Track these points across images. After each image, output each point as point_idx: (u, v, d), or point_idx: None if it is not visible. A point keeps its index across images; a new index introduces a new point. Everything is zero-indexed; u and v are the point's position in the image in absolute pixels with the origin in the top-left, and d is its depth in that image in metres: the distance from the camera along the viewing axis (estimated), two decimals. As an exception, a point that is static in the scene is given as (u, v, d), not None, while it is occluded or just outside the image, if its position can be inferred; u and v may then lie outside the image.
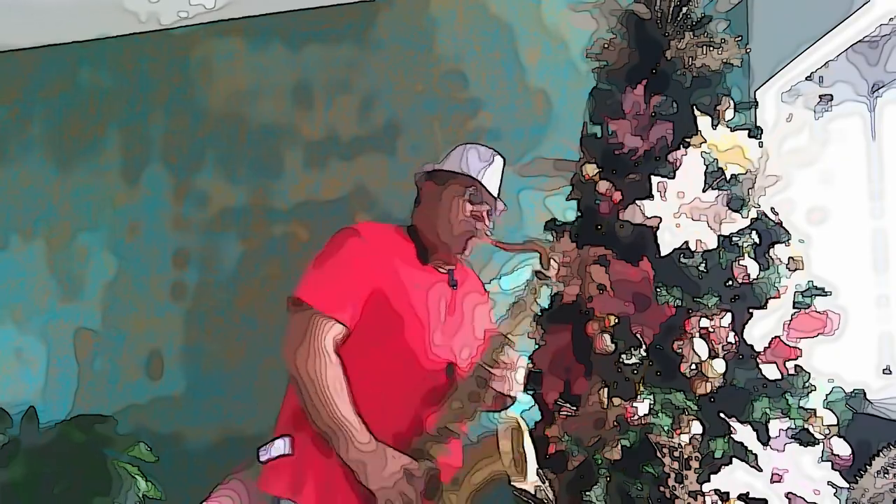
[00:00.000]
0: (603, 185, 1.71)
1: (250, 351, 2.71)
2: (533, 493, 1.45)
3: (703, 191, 1.57)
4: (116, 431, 2.64)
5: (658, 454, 1.49)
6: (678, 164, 1.58)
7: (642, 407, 1.51)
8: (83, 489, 2.51)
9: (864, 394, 1.65)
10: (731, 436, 1.48)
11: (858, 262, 2.18)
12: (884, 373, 2.13)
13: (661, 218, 1.55)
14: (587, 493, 1.50)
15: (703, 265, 1.58)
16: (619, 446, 1.51)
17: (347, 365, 1.59)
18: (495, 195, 1.78)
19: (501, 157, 1.82)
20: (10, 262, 2.95)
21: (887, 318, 2.16)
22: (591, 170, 1.74)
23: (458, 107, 2.60)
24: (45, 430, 2.68)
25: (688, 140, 1.62)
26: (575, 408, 1.64)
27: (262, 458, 1.62)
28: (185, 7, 2.72)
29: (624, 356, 1.57)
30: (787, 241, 1.64)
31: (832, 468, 1.47)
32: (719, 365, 1.51)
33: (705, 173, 1.58)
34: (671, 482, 1.47)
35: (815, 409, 1.55)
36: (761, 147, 1.64)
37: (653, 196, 1.56)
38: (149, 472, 2.57)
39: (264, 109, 2.79)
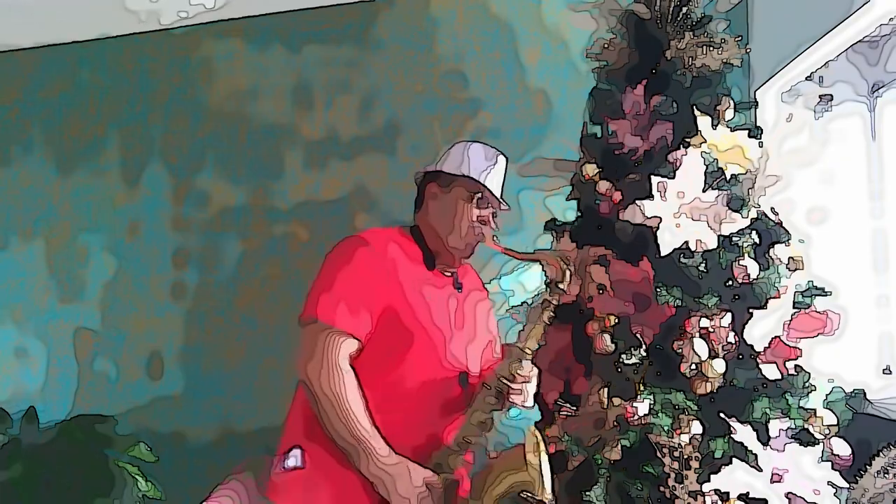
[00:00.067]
0: (603, 185, 1.71)
1: (250, 351, 2.71)
2: None
3: (703, 191, 1.57)
4: (116, 431, 2.63)
5: (658, 454, 1.49)
6: (678, 164, 1.58)
7: (642, 407, 1.51)
8: (83, 489, 2.51)
9: (864, 394, 1.64)
10: (731, 436, 1.48)
11: (858, 262, 2.18)
12: (884, 373, 2.13)
13: (661, 218, 1.55)
14: (587, 493, 1.50)
15: (703, 265, 1.58)
16: (619, 446, 1.51)
17: (363, 378, 1.57)
18: (500, 197, 1.75)
19: (504, 156, 1.79)
20: (10, 262, 2.95)
21: (887, 318, 2.16)
22: (591, 170, 1.74)
23: (458, 107, 2.60)
24: (45, 430, 2.67)
25: (688, 140, 1.63)
26: (575, 408, 1.65)
27: (277, 471, 1.60)
28: (185, 7, 2.72)
29: (624, 356, 1.57)
30: (787, 241, 1.64)
31: (832, 468, 1.47)
32: (719, 365, 1.51)
33: (705, 173, 1.58)
34: (671, 482, 1.47)
35: (815, 409, 1.56)
36: (761, 147, 1.64)
37: (653, 196, 1.56)
38: (149, 472, 2.57)
39: (264, 109, 2.79)
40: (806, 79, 2.20)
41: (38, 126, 2.96)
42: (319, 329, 1.57)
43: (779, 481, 1.45)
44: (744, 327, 1.55)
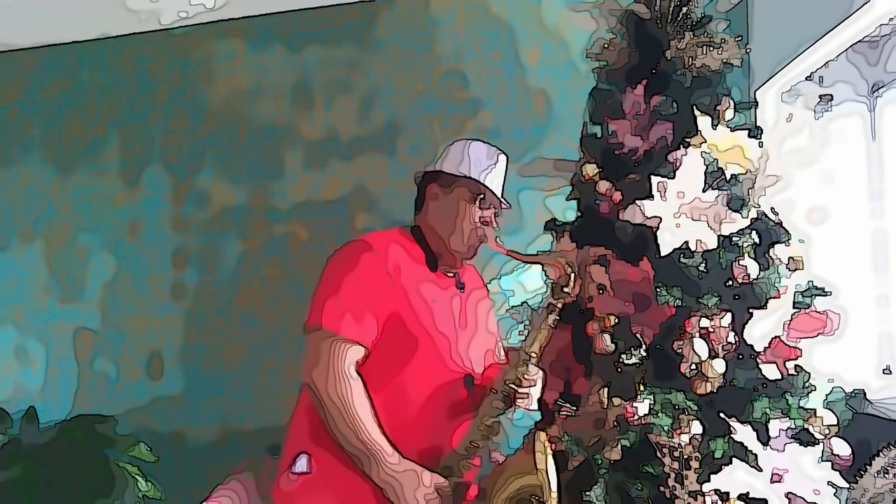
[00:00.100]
0: (603, 185, 1.71)
1: (250, 351, 2.72)
2: None
3: (703, 191, 1.57)
4: (116, 431, 2.64)
5: (658, 454, 1.49)
6: (678, 164, 1.58)
7: (642, 407, 1.51)
8: (83, 489, 2.51)
9: (864, 394, 1.64)
10: (731, 436, 1.48)
11: (858, 262, 2.18)
12: (884, 373, 2.13)
13: (661, 218, 1.55)
14: (587, 493, 1.50)
15: (703, 265, 1.58)
16: (619, 446, 1.51)
17: (370, 383, 1.57)
18: (501, 197, 1.75)
19: (504, 154, 1.79)
20: (10, 262, 2.95)
21: (887, 318, 2.16)
22: (591, 170, 1.74)
23: (458, 107, 2.60)
24: (45, 430, 2.67)
25: (688, 140, 1.63)
26: (575, 408, 1.65)
27: (286, 478, 1.59)
28: (186, 7, 2.72)
29: (624, 356, 1.57)
30: (787, 241, 1.64)
31: (832, 468, 1.47)
32: (719, 365, 1.51)
33: (705, 173, 1.58)
34: (671, 482, 1.47)
35: (815, 409, 1.55)
36: (761, 147, 1.64)
37: (653, 196, 1.56)
38: (149, 472, 2.57)
39: (264, 109, 2.79)
40: (806, 79, 2.20)
41: (38, 126, 2.96)
42: (325, 336, 1.56)
43: (779, 481, 1.45)
44: (744, 327, 1.55)
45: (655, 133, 1.66)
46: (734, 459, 1.46)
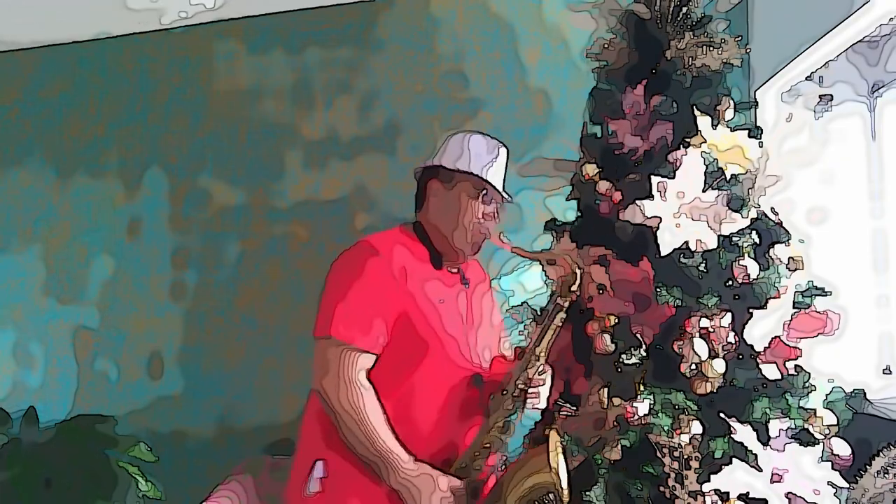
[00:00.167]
0: (603, 185, 1.71)
1: (250, 351, 2.72)
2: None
3: (703, 191, 1.57)
4: (116, 431, 2.64)
5: (658, 454, 1.49)
6: (678, 164, 1.58)
7: (642, 407, 1.51)
8: (83, 489, 2.51)
9: (864, 394, 1.64)
10: (731, 436, 1.48)
11: (858, 262, 2.18)
12: (884, 373, 2.13)
13: (661, 218, 1.55)
14: (587, 493, 1.50)
15: (703, 265, 1.58)
16: (619, 446, 1.51)
17: (382, 388, 1.57)
18: (503, 191, 1.73)
19: (504, 146, 1.76)
20: (10, 262, 2.95)
21: (887, 318, 2.16)
22: (591, 170, 1.74)
23: (458, 107, 2.59)
24: (45, 430, 2.68)
25: (688, 140, 1.63)
26: (575, 408, 1.65)
27: (311, 491, 1.58)
28: (186, 7, 2.72)
29: (624, 356, 1.57)
30: (787, 241, 1.64)
31: (832, 468, 1.47)
32: (719, 365, 1.51)
33: (705, 173, 1.58)
34: (671, 482, 1.47)
35: (815, 409, 1.55)
36: (761, 147, 1.64)
37: (653, 196, 1.56)
38: (149, 472, 2.57)
39: (264, 109, 2.79)
40: (806, 79, 2.20)
41: (38, 126, 2.96)
42: (334, 345, 1.56)
43: (779, 481, 1.45)
44: (744, 327, 1.55)
45: (655, 133, 1.66)
46: (734, 459, 1.46)
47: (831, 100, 2.22)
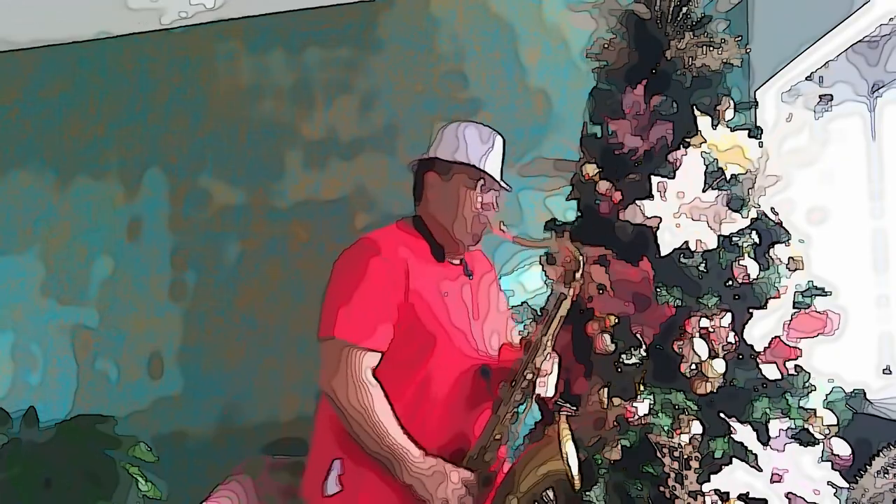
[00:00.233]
0: (603, 185, 1.71)
1: (250, 351, 2.71)
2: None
3: (703, 191, 1.57)
4: (116, 431, 2.64)
5: (658, 454, 1.49)
6: (678, 164, 1.58)
7: (642, 407, 1.51)
8: (83, 489, 2.51)
9: (864, 394, 1.64)
10: (731, 436, 1.48)
11: (858, 262, 2.18)
12: (884, 373, 2.13)
13: (661, 218, 1.55)
14: (587, 493, 1.50)
15: (703, 265, 1.58)
16: (619, 446, 1.51)
17: (391, 384, 1.58)
18: (500, 180, 1.73)
19: (500, 135, 1.77)
20: (9, 262, 2.95)
21: (887, 318, 2.16)
22: (591, 170, 1.74)
23: (458, 107, 2.59)
24: (45, 429, 2.68)
25: (688, 140, 1.63)
26: (575, 408, 1.65)
27: (330, 492, 1.60)
28: (186, 7, 2.72)
29: (624, 356, 1.57)
30: (787, 241, 1.64)
31: (832, 468, 1.47)
32: (719, 365, 1.51)
33: (705, 173, 1.58)
34: (671, 482, 1.47)
35: (815, 409, 1.56)
36: (761, 147, 1.64)
37: (653, 196, 1.56)
38: (149, 472, 2.57)
39: (264, 109, 2.79)
40: (806, 79, 2.20)
41: (38, 126, 2.96)
42: (339, 345, 1.57)
43: (779, 481, 1.45)
44: (744, 327, 1.55)
45: (655, 133, 1.67)
46: (734, 459, 1.46)
47: (831, 100, 2.22)
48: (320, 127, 2.73)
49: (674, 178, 1.57)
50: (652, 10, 1.75)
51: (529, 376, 1.59)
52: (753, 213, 1.62)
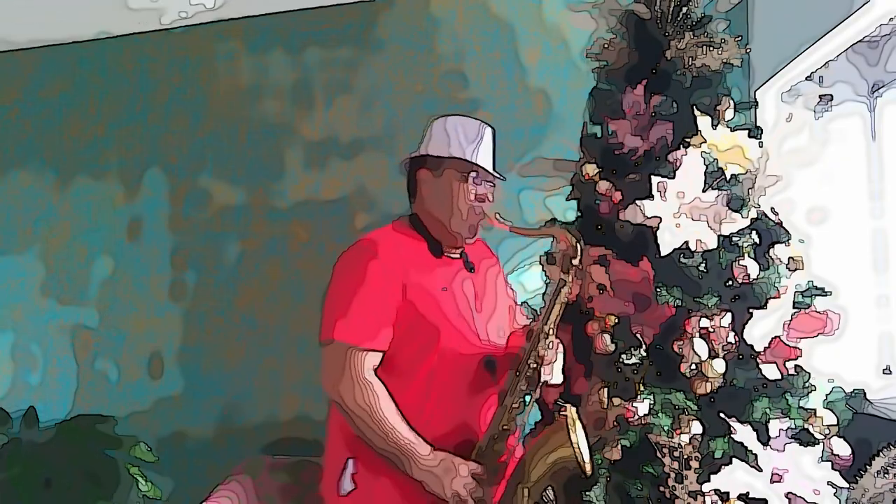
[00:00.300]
0: (603, 185, 1.71)
1: (250, 351, 2.71)
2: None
3: (703, 191, 1.57)
4: (116, 431, 2.64)
5: (658, 454, 1.49)
6: (678, 164, 1.58)
7: (642, 407, 1.51)
8: (83, 489, 2.51)
9: (864, 394, 1.64)
10: (731, 436, 1.48)
11: (858, 262, 2.17)
12: (884, 373, 2.13)
13: (661, 218, 1.55)
14: (587, 493, 1.50)
15: (703, 265, 1.58)
16: (619, 446, 1.51)
17: (397, 381, 1.59)
18: (493, 171, 1.73)
19: (490, 126, 1.76)
20: (9, 262, 2.95)
21: (887, 318, 2.16)
22: (591, 170, 1.74)
23: (458, 107, 2.56)
24: (45, 429, 2.68)
25: (688, 140, 1.63)
26: (575, 408, 1.65)
27: (346, 490, 1.62)
28: (186, 7, 2.72)
29: (624, 356, 1.57)
30: (787, 241, 1.64)
31: (832, 468, 1.47)
32: (719, 365, 1.51)
33: (705, 173, 1.58)
34: (671, 482, 1.47)
35: (815, 409, 1.56)
36: (761, 147, 1.64)
37: (653, 196, 1.56)
38: (149, 472, 2.57)
39: (264, 109, 2.79)
40: (806, 79, 2.20)
41: (38, 126, 2.96)
42: (340, 347, 1.59)
43: (779, 481, 1.45)
44: (744, 327, 1.55)
45: (655, 133, 1.67)
46: (734, 459, 1.46)
47: (831, 100, 2.22)
48: (320, 127, 2.73)
49: (674, 178, 1.57)
50: (652, 10, 1.75)
51: (533, 365, 1.60)
52: (753, 213, 1.62)
